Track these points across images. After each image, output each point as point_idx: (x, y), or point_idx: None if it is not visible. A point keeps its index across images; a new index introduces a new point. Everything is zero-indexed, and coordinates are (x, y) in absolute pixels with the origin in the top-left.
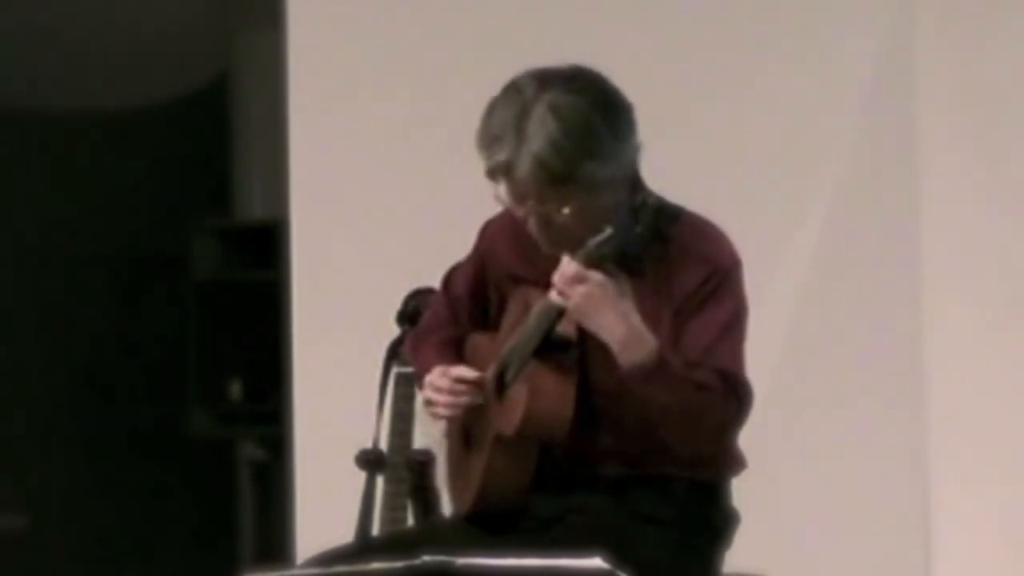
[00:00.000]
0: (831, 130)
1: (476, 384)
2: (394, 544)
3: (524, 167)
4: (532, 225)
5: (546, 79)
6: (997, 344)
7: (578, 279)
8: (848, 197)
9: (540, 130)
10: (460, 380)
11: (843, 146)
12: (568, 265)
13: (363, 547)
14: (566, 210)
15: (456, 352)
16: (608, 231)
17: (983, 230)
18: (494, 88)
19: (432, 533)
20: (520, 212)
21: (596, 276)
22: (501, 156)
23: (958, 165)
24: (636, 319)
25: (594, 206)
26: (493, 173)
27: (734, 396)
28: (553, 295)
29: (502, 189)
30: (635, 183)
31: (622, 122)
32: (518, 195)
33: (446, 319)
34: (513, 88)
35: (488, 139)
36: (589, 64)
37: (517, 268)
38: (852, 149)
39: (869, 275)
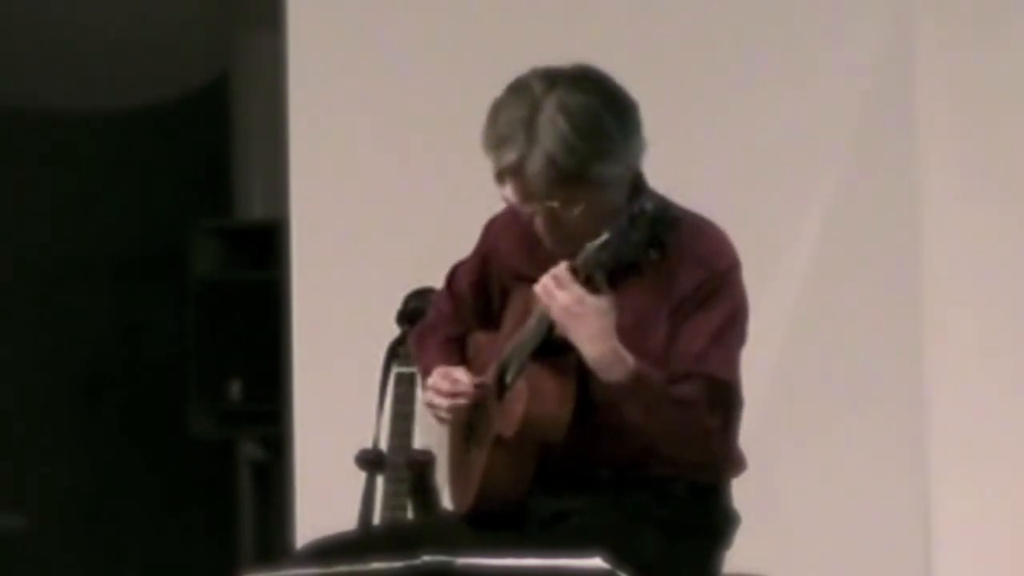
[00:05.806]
0: (831, 130)
1: (476, 390)
2: (394, 534)
3: (535, 166)
4: (539, 224)
5: (553, 77)
6: (997, 345)
7: (559, 284)
8: (848, 197)
9: (551, 129)
10: (460, 384)
11: (843, 146)
12: (559, 268)
13: (364, 535)
14: (576, 209)
15: (459, 350)
16: (605, 236)
17: (983, 230)
18: (495, 88)
19: (432, 528)
20: (527, 211)
21: (576, 290)
22: (511, 156)
23: (958, 165)
24: (613, 339)
25: (602, 204)
26: (502, 175)
27: (719, 406)
28: (537, 288)
29: (509, 189)
30: (637, 184)
31: (630, 121)
32: (526, 194)
33: (449, 315)
34: (520, 87)
35: (496, 139)
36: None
37: (521, 266)
38: (852, 149)
39: (869, 276)
